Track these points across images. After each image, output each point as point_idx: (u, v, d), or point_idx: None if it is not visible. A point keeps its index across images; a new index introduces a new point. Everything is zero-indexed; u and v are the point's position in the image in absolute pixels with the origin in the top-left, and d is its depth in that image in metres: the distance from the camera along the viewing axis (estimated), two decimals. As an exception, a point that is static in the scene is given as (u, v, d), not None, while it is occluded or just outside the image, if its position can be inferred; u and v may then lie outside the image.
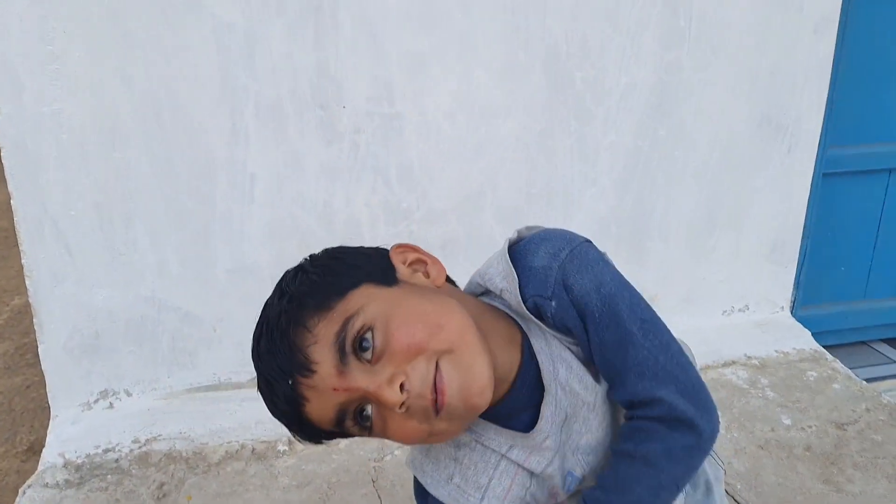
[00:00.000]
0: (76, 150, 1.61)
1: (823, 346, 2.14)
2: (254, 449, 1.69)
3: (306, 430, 0.78)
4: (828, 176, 2.18)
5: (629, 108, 1.90)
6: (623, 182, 1.98)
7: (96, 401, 1.77)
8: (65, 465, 1.61)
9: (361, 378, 0.71)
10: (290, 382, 0.72)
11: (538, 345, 0.82)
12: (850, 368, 2.03)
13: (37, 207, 1.62)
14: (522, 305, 0.80)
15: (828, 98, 2.04)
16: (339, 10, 1.64)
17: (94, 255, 1.68)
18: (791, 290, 2.23)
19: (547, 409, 0.82)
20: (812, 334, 2.18)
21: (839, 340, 2.37)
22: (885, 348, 2.41)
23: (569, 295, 0.79)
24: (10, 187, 1.59)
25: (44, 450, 1.66)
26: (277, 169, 1.72)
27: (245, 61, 1.63)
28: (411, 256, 0.83)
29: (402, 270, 0.81)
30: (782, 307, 2.23)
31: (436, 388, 0.71)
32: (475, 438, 0.84)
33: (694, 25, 1.87)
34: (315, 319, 0.72)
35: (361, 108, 1.70)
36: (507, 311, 0.84)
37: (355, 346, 0.72)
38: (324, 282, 0.76)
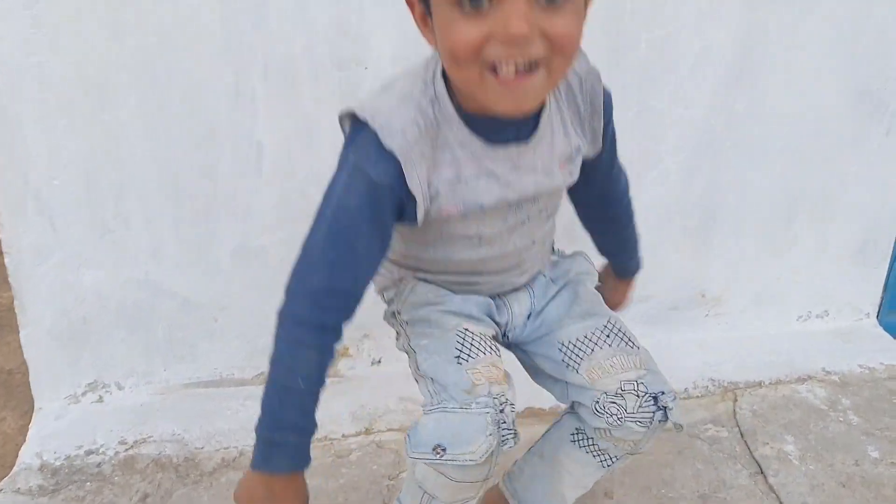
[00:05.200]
0: (60, 111, 1.40)
1: (916, 361, 1.84)
2: (254, 456, 1.49)
3: None
4: (931, 164, 1.87)
5: (703, 78, 1.62)
6: (691, 164, 1.70)
7: (84, 393, 1.59)
8: (41, 468, 1.44)
9: None
10: None
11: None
12: (948, 388, 1.74)
13: (17, 175, 1.43)
14: None
15: (939, 72, 1.73)
16: (362, -46, 1.40)
17: (81, 231, 1.49)
18: (880, 294, 1.94)
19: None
20: (902, 346, 1.88)
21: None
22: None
23: None
24: (-14, 153, 1.40)
25: (22, 447, 1.49)
26: (288, 139, 1.49)
27: (253, 12, 1.40)
28: None
29: None
30: (868, 314, 1.94)
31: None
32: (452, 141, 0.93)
33: (785, -20, 1.57)
34: None
35: (386, 70, 1.46)
36: None
37: None
38: None
